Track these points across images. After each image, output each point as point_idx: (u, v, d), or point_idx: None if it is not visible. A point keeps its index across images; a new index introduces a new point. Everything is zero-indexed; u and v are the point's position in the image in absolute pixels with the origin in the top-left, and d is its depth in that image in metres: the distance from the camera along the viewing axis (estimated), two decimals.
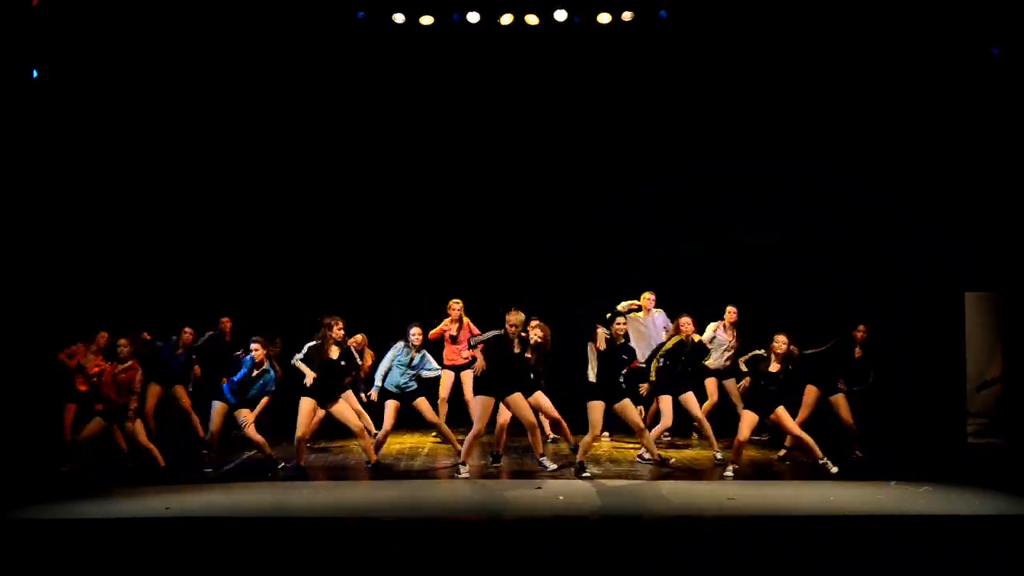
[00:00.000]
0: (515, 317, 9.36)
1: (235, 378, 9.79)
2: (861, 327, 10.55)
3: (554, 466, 9.63)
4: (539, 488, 8.85)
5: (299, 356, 9.61)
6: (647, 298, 11.29)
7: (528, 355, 9.41)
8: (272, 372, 9.82)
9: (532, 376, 9.57)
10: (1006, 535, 7.56)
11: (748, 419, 9.51)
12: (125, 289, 11.90)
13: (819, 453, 9.41)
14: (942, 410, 10.76)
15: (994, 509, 8.07)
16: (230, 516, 7.96)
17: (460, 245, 13.43)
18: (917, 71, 11.22)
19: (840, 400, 10.31)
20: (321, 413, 9.95)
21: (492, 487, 9.08)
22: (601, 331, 9.45)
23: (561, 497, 8.48)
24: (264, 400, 9.75)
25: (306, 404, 9.56)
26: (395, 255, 13.40)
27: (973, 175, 10.89)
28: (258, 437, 9.76)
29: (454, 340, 11.19)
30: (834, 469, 9.36)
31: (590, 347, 9.43)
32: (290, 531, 7.58)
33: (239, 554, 7.31)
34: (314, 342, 9.61)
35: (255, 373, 9.76)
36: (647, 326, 11.25)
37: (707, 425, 10.40)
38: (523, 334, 9.41)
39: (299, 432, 9.57)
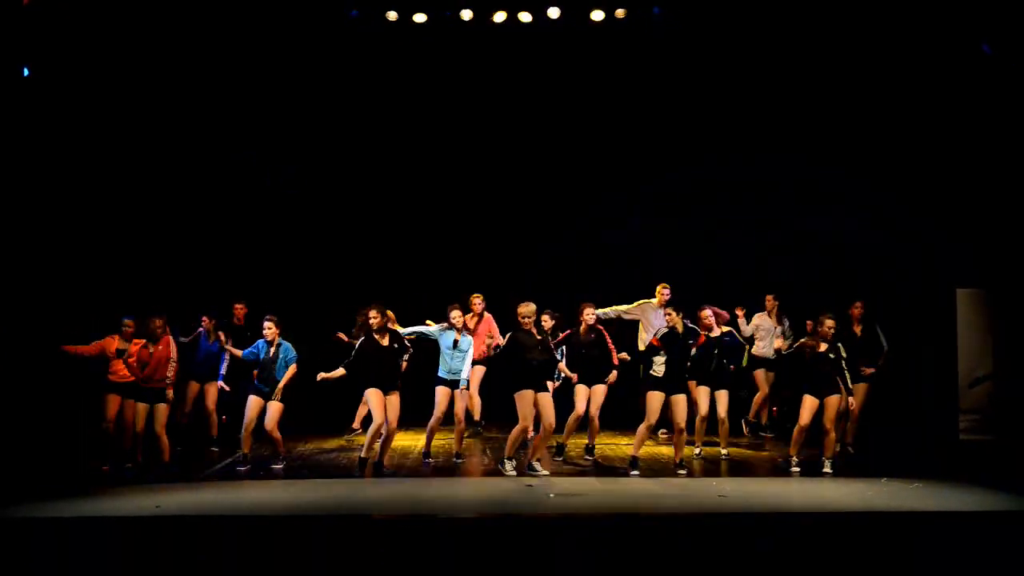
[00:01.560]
0: (527, 308, 9.36)
1: (245, 353, 9.90)
2: (857, 304, 10.70)
3: (545, 472, 9.48)
4: (530, 486, 8.85)
5: (349, 360, 9.49)
6: (662, 292, 11.35)
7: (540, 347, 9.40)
8: (288, 345, 9.82)
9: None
10: (998, 531, 7.54)
11: (808, 404, 9.51)
12: (127, 283, 11.86)
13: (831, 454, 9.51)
14: (934, 406, 10.76)
15: (986, 505, 8.07)
16: (221, 515, 7.96)
17: (458, 245, 13.43)
18: (911, 68, 11.23)
19: (860, 389, 10.36)
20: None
21: (486, 485, 9.08)
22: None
23: (552, 495, 8.50)
24: (292, 369, 9.76)
25: (375, 395, 9.42)
26: (392, 254, 13.39)
27: (964, 173, 10.90)
28: (277, 435, 9.80)
29: (470, 333, 11.15)
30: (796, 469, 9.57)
31: (652, 341, 9.63)
32: (282, 529, 7.56)
33: (230, 553, 7.30)
34: (362, 338, 9.47)
35: (271, 352, 9.78)
36: (659, 318, 11.29)
37: (727, 426, 10.45)
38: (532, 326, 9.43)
39: (377, 422, 9.41)
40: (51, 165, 11.07)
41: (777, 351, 11.36)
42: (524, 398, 9.25)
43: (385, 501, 8.43)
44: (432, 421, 10.08)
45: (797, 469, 9.52)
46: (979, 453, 10.20)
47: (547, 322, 10.26)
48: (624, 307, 11.42)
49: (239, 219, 13.06)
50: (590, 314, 10.10)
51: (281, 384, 9.74)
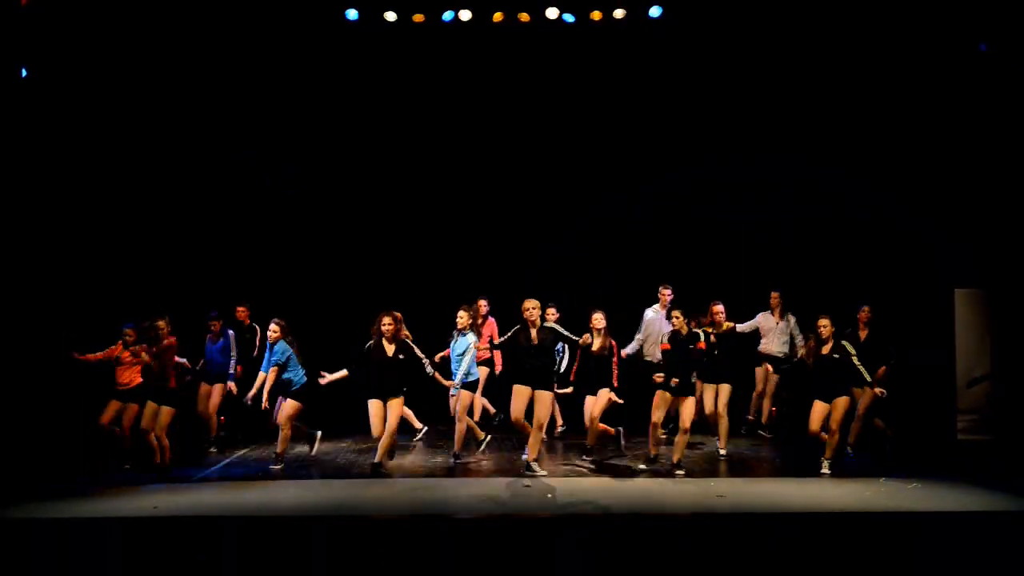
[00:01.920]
0: (529, 303, 9.38)
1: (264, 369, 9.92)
2: (865, 308, 10.48)
3: (543, 472, 9.44)
4: (528, 486, 8.85)
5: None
6: (663, 292, 11.38)
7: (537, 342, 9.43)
8: (280, 348, 9.80)
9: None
10: (995, 532, 7.57)
11: (818, 410, 9.41)
12: (128, 284, 11.85)
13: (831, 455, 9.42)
14: (932, 407, 10.75)
15: (983, 506, 8.08)
16: (219, 515, 7.97)
17: (458, 245, 13.42)
18: (909, 68, 11.24)
19: (869, 393, 10.17)
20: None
21: (486, 485, 9.08)
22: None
23: (549, 495, 8.50)
24: (272, 372, 9.76)
25: (374, 407, 9.46)
26: (393, 254, 13.37)
27: (963, 172, 10.90)
28: (287, 431, 9.78)
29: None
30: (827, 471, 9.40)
31: (660, 345, 9.69)
32: (279, 530, 7.59)
33: (229, 554, 7.31)
34: (370, 342, 9.50)
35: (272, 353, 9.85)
36: (663, 321, 11.39)
37: (726, 421, 10.44)
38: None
39: (374, 434, 9.49)
40: (52, 167, 11.06)
41: (788, 358, 11.28)
42: (516, 393, 9.34)
43: (385, 501, 8.43)
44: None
45: (827, 472, 9.37)
46: (977, 453, 10.20)
47: (552, 314, 10.32)
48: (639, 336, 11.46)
49: (240, 220, 13.04)
50: (599, 320, 10.01)
51: (264, 386, 9.75)
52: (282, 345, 9.87)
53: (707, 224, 13.22)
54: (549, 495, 8.49)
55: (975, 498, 8.33)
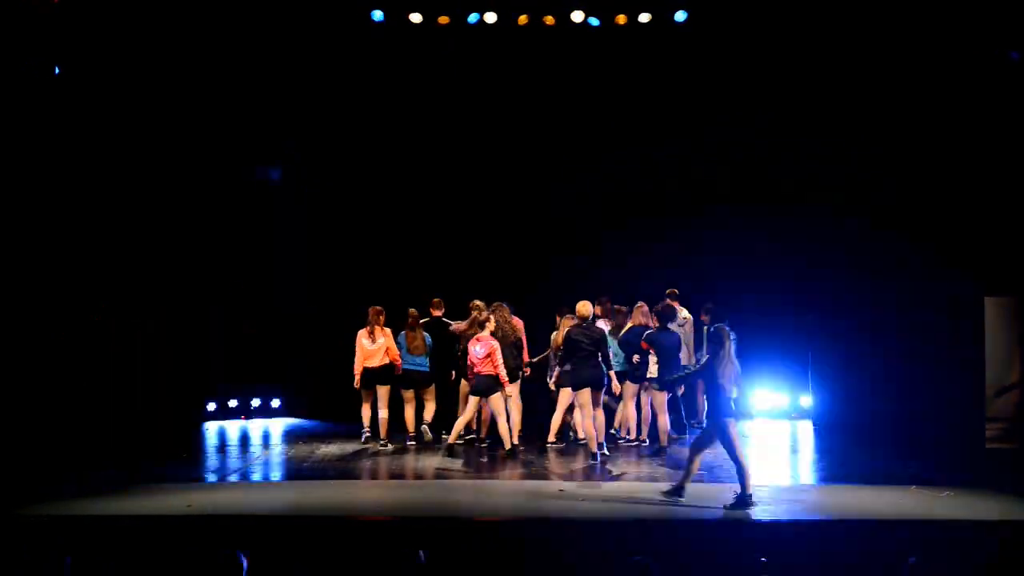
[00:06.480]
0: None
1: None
2: None
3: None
4: (562, 491, 8.82)
5: None
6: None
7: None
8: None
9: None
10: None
11: None
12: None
13: None
14: (962, 415, 10.71)
15: (1013, 514, 8.05)
16: (249, 514, 7.97)
17: (467, 246, 13.44)
18: (940, 73, 11.22)
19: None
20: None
21: (492, 486, 9.08)
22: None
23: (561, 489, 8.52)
24: None
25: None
26: (408, 256, 13.40)
27: (995, 179, 10.86)
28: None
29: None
30: None
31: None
32: (306, 529, 7.58)
33: (257, 552, 7.28)
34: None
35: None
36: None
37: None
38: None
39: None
40: (72, 164, 11.10)
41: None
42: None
43: (401, 502, 8.45)
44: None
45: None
46: (1006, 461, 10.17)
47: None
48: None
49: (241, 220, 13.08)
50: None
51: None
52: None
53: (725, 225, 13.22)
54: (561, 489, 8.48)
55: (1005, 506, 8.28)
